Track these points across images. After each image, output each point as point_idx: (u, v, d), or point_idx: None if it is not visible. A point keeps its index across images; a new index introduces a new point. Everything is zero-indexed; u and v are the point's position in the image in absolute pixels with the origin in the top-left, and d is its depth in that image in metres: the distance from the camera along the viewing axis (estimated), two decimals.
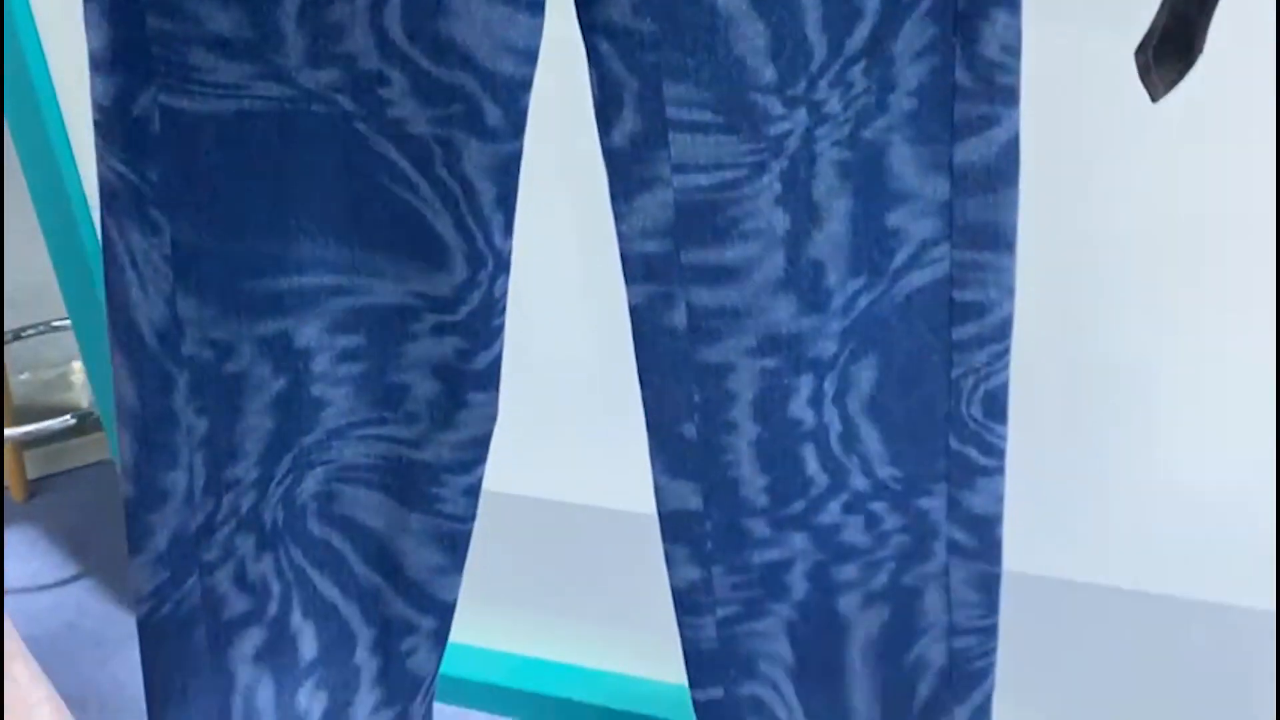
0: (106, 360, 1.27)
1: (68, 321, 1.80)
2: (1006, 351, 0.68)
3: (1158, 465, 0.97)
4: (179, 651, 0.65)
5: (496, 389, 0.67)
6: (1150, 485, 0.98)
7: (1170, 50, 0.56)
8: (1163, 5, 0.57)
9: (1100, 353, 0.95)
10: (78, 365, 1.89)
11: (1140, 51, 0.58)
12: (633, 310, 0.64)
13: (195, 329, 0.59)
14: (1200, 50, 0.55)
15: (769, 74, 0.58)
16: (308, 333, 0.63)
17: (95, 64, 0.51)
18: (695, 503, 0.70)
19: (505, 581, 1.33)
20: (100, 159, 0.53)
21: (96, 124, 0.52)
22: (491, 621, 1.38)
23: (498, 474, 1.08)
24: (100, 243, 0.55)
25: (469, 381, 0.65)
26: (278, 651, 0.70)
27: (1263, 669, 1.07)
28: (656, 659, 1.33)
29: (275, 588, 0.69)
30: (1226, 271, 0.88)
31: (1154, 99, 0.57)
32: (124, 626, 1.49)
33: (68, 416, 1.58)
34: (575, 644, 1.36)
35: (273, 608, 0.69)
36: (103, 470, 1.87)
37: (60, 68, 1.10)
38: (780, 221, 0.62)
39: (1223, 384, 0.92)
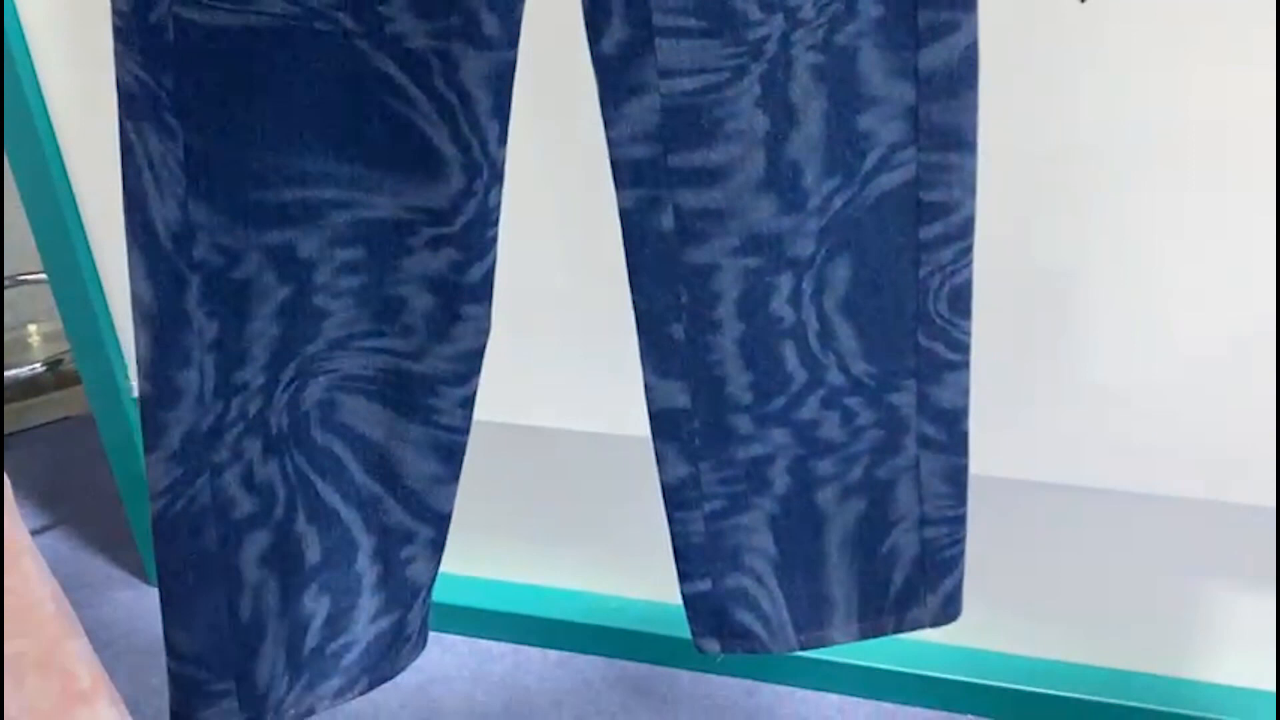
0: (81, 313, 1.27)
1: (29, 277, 1.79)
2: (970, 249, 0.72)
3: (1104, 364, 1.01)
4: (191, 549, 0.68)
5: (489, 302, 0.69)
6: (1098, 384, 1.02)
7: None
8: None
9: (1052, 257, 0.98)
10: (34, 328, 1.88)
11: None
12: (623, 214, 0.67)
13: (206, 234, 0.61)
14: None
15: None
16: (311, 244, 0.65)
17: None
18: (683, 401, 0.73)
19: (478, 507, 1.35)
20: (119, 64, 0.55)
21: (116, 29, 0.54)
22: (465, 548, 1.40)
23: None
24: (119, 148, 0.57)
25: (463, 294, 0.68)
26: (283, 555, 0.72)
27: (1209, 557, 1.13)
28: (630, 577, 1.36)
29: (281, 492, 0.71)
30: (1183, 173, 0.91)
31: None
32: (101, 571, 1.50)
33: (37, 365, 1.58)
34: (548, 566, 1.39)
35: (278, 511, 0.71)
36: (65, 427, 1.87)
37: (29, 9, 1.10)
38: (760, 123, 0.65)
39: (1178, 281, 0.96)
